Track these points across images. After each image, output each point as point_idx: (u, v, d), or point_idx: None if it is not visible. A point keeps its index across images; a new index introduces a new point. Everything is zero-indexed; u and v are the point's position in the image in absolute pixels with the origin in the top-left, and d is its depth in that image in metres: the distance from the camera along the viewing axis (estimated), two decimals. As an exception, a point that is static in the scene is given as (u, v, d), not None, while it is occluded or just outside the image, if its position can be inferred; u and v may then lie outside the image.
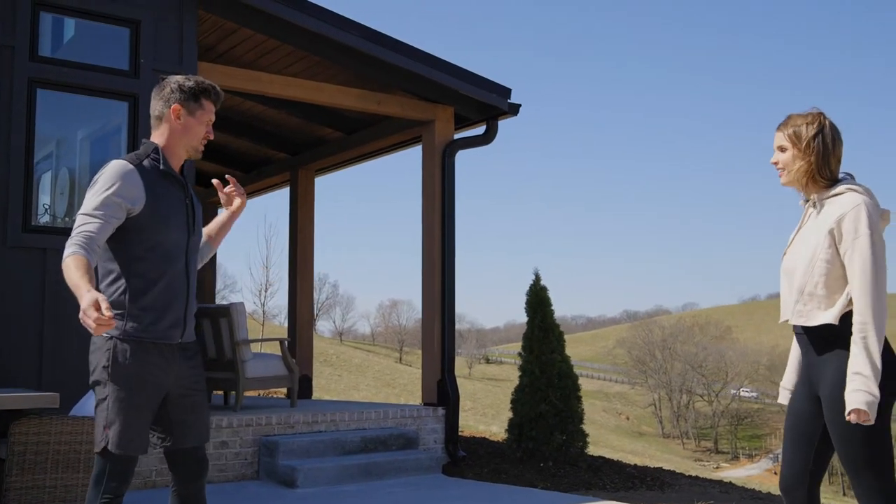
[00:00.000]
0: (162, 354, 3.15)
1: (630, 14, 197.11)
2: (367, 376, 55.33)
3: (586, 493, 6.65)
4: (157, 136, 3.26)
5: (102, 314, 2.64)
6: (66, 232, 6.48)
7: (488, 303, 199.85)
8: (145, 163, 3.19)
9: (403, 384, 53.90)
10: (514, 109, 8.36)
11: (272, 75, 7.78)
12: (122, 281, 3.11)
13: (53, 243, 6.28)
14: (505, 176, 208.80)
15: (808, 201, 3.24)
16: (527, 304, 8.09)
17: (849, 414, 2.92)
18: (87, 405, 4.70)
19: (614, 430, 62.34)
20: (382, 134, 9.16)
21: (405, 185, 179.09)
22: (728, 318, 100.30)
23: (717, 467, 53.84)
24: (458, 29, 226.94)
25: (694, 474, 9.19)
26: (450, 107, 8.35)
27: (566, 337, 8.30)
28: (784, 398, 3.39)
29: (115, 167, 3.12)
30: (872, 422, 2.91)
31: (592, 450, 8.43)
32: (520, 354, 8.12)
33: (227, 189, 3.52)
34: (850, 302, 3.04)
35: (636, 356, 75.75)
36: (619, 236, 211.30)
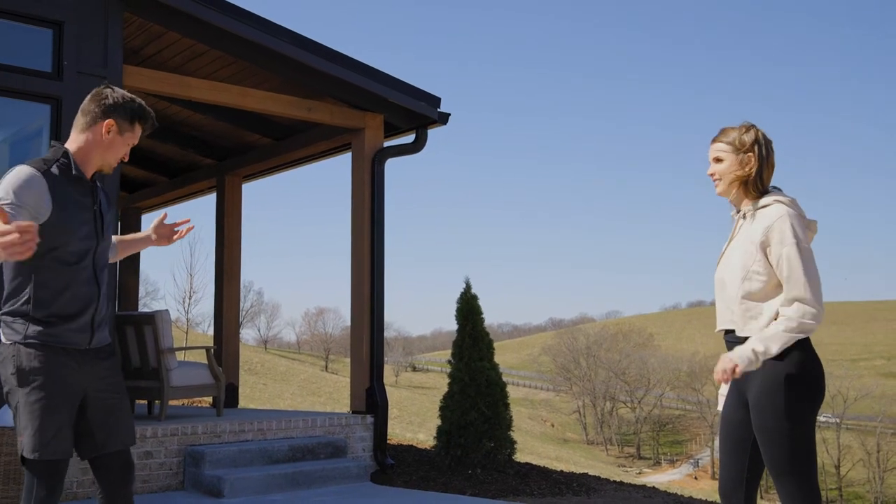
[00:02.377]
0: (70, 356, 3.07)
1: (553, 19, 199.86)
2: (292, 384, 54.72)
3: (514, 500, 6.72)
4: (75, 140, 3.19)
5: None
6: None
7: (415, 310, 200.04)
8: (53, 168, 3.10)
9: (329, 392, 53.46)
10: (444, 118, 8.40)
11: (200, 80, 7.68)
12: (27, 290, 3.03)
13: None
14: (432, 185, 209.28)
15: (739, 212, 3.33)
16: (457, 312, 8.14)
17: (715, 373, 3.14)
18: (6, 414, 4.58)
19: (539, 436, 62.89)
20: (312, 141, 9.11)
21: (333, 193, 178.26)
22: (650, 326, 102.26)
23: (639, 473, 54.80)
24: (389, 37, 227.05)
25: (618, 480, 9.35)
26: (379, 115, 8.36)
27: (493, 344, 8.37)
28: (720, 404, 3.46)
29: (20, 173, 3.01)
30: (738, 375, 3.08)
31: (519, 457, 8.52)
32: (449, 362, 8.17)
33: (175, 228, 3.48)
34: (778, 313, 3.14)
35: (561, 363, 76.64)
36: (544, 245, 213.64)
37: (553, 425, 71.92)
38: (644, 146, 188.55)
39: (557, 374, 76.93)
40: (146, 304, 51.04)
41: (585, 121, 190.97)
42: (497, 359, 8.43)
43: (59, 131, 6.50)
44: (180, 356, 8.00)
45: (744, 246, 3.22)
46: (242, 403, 22.71)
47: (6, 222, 2.62)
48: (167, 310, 7.80)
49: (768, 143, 3.29)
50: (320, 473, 6.93)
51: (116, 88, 3.23)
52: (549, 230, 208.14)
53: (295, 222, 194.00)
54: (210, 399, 12.01)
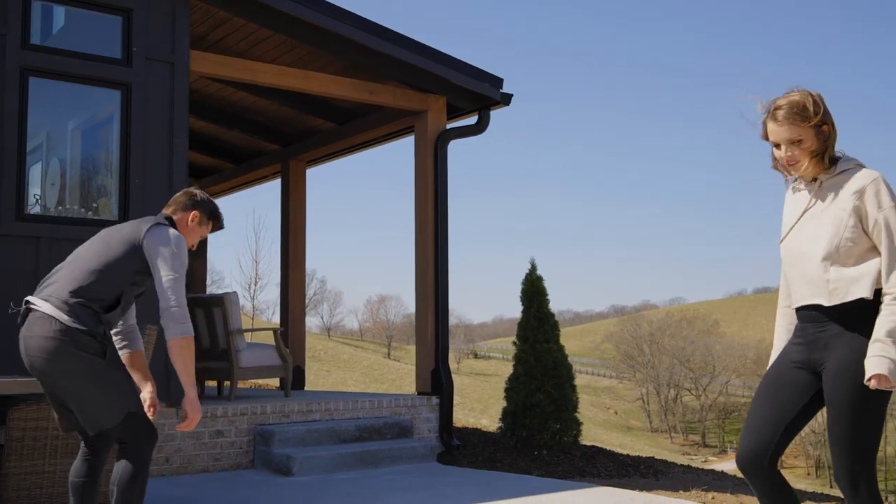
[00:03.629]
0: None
1: (626, 10, 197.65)
2: (355, 371, 55.33)
3: (581, 480, 6.68)
4: (176, 218, 3.92)
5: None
6: (60, 221, 6.47)
7: (476, 298, 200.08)
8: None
9: (392, 379, 53.94)
10: (507, 99, 8.37)
11: (265, 65, 7.76)
12: (104, 299, 3.61)
13: (48, 232, 6.25)
14: (494, 170, 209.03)
15: (815, 181, 3.12)
16: (522, 293, 8.10)
17: (869, 379, 2.86)
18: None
19: (603, 424, 62.54)
20: (374, 124, 9.15)
21: (394, 178, 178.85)
22: (715, 313, 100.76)
23: (705, 461, 54.13)
24: (451, 19, 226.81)
25: (686, 464, 9.24)
26: (442, 97, 8.36)
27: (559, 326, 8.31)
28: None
29: (181, 238, 3.75)
30: (894, 388, 2.87)
31: (583, 443, 8.46)
32: (514, 343, 8.13)
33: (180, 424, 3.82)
34: (879, 277, 2.98)
35: (624, 351, 76.01)
36: (607, 231, 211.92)
37: (616, 413, 71.43)
38: (711, 131, 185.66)
39: (620, 361, 76.32)
40: (212, 292, 51.97)
41: (651, 105, 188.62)
42: (559, 346, 8.36)
43: (130, 116, 6.63)
44: (248, 338, 8.13)
45: (831, 213, 3.03)
46: (308, 389, 23.06)
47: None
48: (235, 292, 7.92)
49: (826, 106, 3.10)
50: (387, 453, 6.99)
51: (202, 192, 4.01)
52: (610, 216, 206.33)
53: (355, 210, 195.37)
54: (277, 383, 12.19)
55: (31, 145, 6.46)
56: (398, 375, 54.99)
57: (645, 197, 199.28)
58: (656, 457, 10.49)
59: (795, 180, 3.20)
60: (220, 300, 7.79)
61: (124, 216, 6.54)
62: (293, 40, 7.69)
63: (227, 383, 8.14)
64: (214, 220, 3.99)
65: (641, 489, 6.28)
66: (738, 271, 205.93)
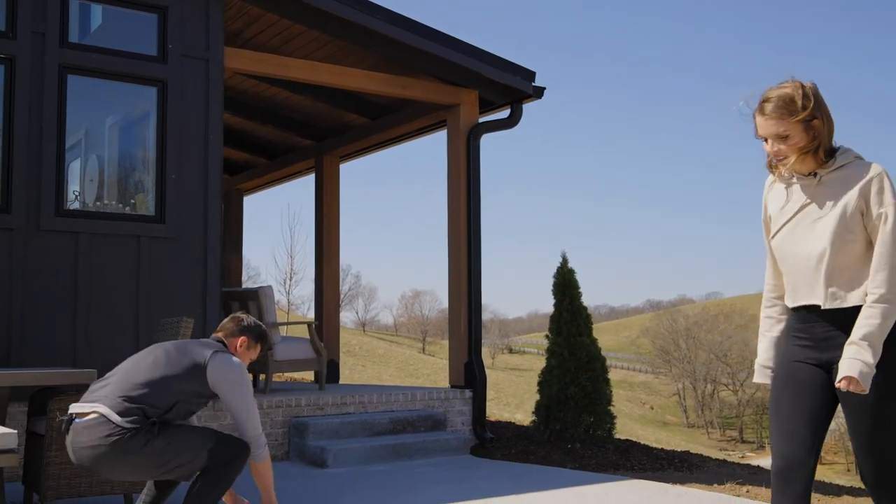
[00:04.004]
0: None
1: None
2: (390, 366, 55.46)
3: (615, 473, 6.67)
4: (233, 344, 4.12)
5: None
6: (98, 216, 6.58)
7: (511, 293, 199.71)
8: None
9: (427, 374, 53.98)
10: (539, 92, 8.36)
11: (298, 60, 7.82)
12: (154, 421, 3.75)
13: (86, 227, 6.37)
14: (526, 165, 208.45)
15: (812, 176, 2.94)
16: (554, 286, 8.09)
17: (839, 381, 2.77)
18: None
19: (638, 419, 62.20)
20: (407, 119, 9.19)
21: (428, 173, 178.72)
22: (752, 307, 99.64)
23: (742, 456, 53.58)
24: (481, 12, 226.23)
25: (721, 458, 9.18)
26: (474, 90, 8.36)
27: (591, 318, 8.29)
28: (763, 376, 3.16)
29: (242, 365, 4.00)
30: (866, 391, 2.75)
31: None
32: (547, 337, 8.13)
33: None
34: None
35: (660, 345, 75.45)
36: (641, 225, 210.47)
37: (652, 408, 70.98)
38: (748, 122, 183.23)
39: (656, 356, 75.77)
40: (248, 286, 52.34)
41: (684, 98, 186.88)
42: (594, 341, 8.34)
43: (165, 113, 6.72)
44: (283, 332, 8.20)
45: (832, 210, 2.87)
46: (343, 383, 23.21)
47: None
48: (270, 286, 8.00)
49: (821, 97, 2.91)
50: (420, 445, 7.02)
51: (249, 317, 4.21)
52: (646, 210, 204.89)
53: (389, 205, 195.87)
54: (311, 376, 12.29)
55: (70, 142, 6.57)
56: (433, 370, 55.02)
57: (684, 189, 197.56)
58: (691, 451, 10.43)
59: (792, 177, 3.01)
60: (255, 294, 7.87)
61: (161, 211, 6.64)
62: (326, 36, 7.74)
63: (262, 376, 8.22)
64: (262, 341, 4.22)
65: (675, 482, 6.25)
66: None
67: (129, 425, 3.62)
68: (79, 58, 6.44)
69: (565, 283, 8.04)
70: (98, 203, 6.83)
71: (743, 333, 76.74)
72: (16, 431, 3.71)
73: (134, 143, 7.27)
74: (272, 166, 11.62)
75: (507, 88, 8.31)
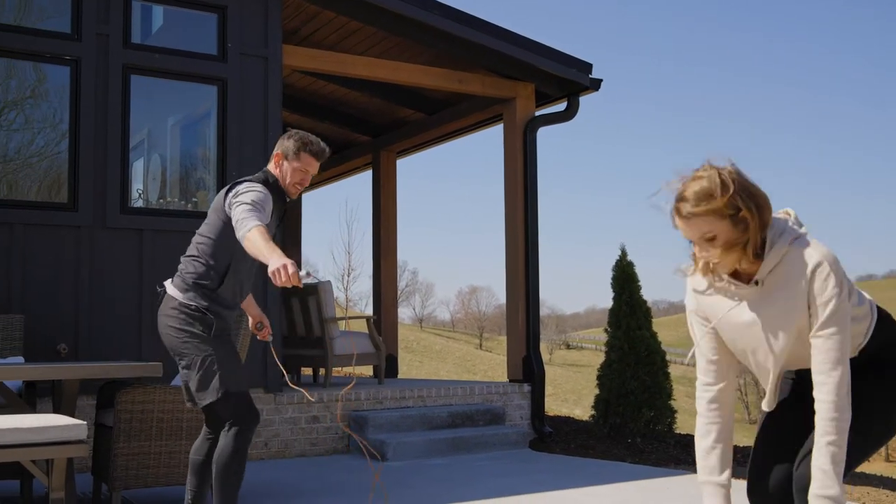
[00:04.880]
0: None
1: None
2: (447, 362, 55.63)
3: (676, 468, 6.60)
4: (270, 168, 3.95)
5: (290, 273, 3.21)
6: (161, 213, 6.72)
7: (568, 288, 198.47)
8: (269, 187, 3.84)
9: (484, 370, 53.99)
10: (596, 84, 8.29)
11: (354, 56, 7.87)
12: (213, 271, 3.79)
13: (150, 224, 6.50)
14: (582, 158, 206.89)
15: (753, 283, 2.53)
16: (613, 280, 8.03)
17: None
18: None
19: (699, 415, 61.38)
20: (463, 113, 9.19)
21: (481, 171, 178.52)
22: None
23: (806, 453, 52.62)
24: (537, 4, 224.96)
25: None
26: (531, 83, 8.33)
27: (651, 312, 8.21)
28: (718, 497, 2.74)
29: (262, 187, 3.77)
30: None
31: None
32: (606, 331, 8.07)
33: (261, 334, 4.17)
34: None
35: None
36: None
37: (713, 404, 70.01)
38: (822, 103, 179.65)
39: (717, 351, 74.57)
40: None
41: (743, 83, 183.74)
42: (653, 336, 8.25)
43: (226, 112, 6.82)
44: (342, 326, 8.28)
45: (780, 322, 2.52)
46: (401, 378, 23.39)
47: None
48: (329, 281, 8.07)
49: (746, 179, 2.48)
50: (479, 439, 7.03)
51: (295, 131, 3.98)
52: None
53: (445, 201, 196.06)
54: (370, 371, 12.38)
55: (133, 142, 6.71)
56: (490, 366, 55.03)
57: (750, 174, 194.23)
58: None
59: (729, 282, 2.58)
60: (314, 289, 7.95)
61: (222, 208, 6.74)
62: (382, 31, 7.78)
63: (321, 371, 8.31)
64: (305, 150, 3.88)
65: (738, 477, 6.16)
66: (866, 254, 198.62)
67: (187, 301, 3.78)
68: (141, 58, 6.57)
69: (624, 277, 7.97)
70: (161, 201, 6.96)
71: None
72: (85, 423, 3.80)
73: (195, 142, 7.39)
74: (330, 162, 11.71)
75: (563, 81, 8.27)
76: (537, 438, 7.69)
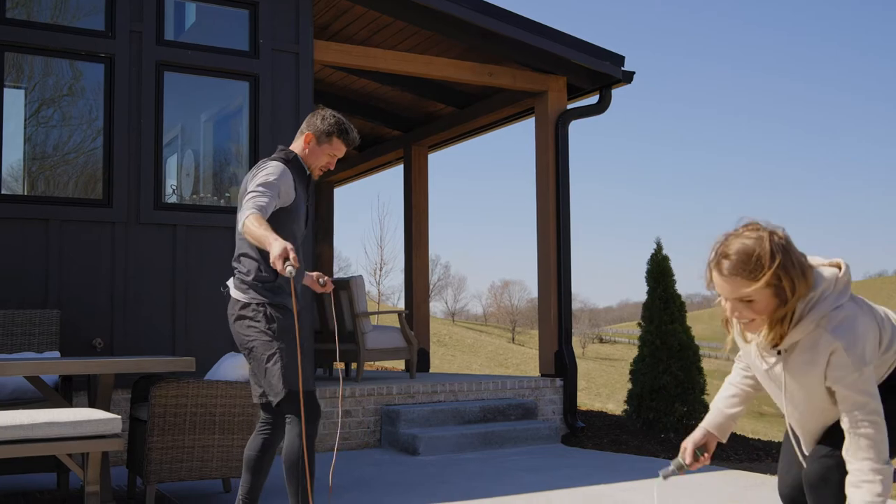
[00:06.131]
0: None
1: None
2: (480, 356, 55.57)
3: (710, 463, 6.53)
4: (296, 146, 3.90)
5: (291, 260, 3.20)
6: (194, 209, 6.77)
7: (601, 282, 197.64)
8: (290, 165, 3.81)
9: (516, 364, 53.89)
10: (628, 77, 8.22)
11: (385, 51, 7.87)
12: (263, 262, 3.67)
13: (183, 220, 6.55)
14: (615, 152, 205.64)
15: (775, 349, 2.51)
16: (647, 273, 7.97)
17: None
18: (219, 371, 4.89)
19: (733, 410, 60.85)
20: (494, 107, 9.16)
21: (513, 163, 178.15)
22: (858, 292, 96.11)
23: (843, 448, 51.94)
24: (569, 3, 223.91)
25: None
26: (562, 77, 8.28)
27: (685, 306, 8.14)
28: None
29: (275, 164, 3.72)
30: None
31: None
32: (640, 325, 8.02)
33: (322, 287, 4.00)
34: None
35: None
36: (736, 209, 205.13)
37: (748, 398, 69.41)
38: (848, 102, 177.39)
39: (752, 345, 73.86)
40: (339, 276, 53.09)
41: (778, 78, 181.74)
42: (687, 329, 8.18)
43: (258, 107, 6.85)
44: (374, 321, 8.30)
45: (800, 376, 2.49)
46: (433, 372, 23.44)
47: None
48: (361, 276, 8.09)
49: (794, 249, 2.40)
50: (511, 434, 7.01)
51: (326, 109, 3.89)
52: (739, 194, 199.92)
53: (477, 195, 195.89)
54: (402, 365, 12.40)
55: (167, 138, 6.77)
56: (522, 360, 54.89)
57: (779, 170, 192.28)
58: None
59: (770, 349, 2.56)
60: (346, 283, 7.98)
61: (254, 203, 6.76)
62: (413, 26, 7.77)
63: (353, 365, 8.33)
64: (337, 135, 3.85)
65: (773, 474, 6.10)
66: (880, 250, 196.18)
67: (247, 300, 3.72)
68: (175, 55, 6.62)
69: (659, 271, 7.91)
70: (194, 196, 7.01)
71: (843, 322, 74.11)
72: (119, 417, 3.84)
73: (227, 137, 7.44)
74: (362, 157, 11.74)
75: (595, 74, 8.21)
76: (569, 433, 7.66)
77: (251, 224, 3.38)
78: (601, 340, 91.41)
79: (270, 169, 3.68)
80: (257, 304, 3.69)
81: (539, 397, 7.82)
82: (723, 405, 2.83)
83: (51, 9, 6.43)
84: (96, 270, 6.23)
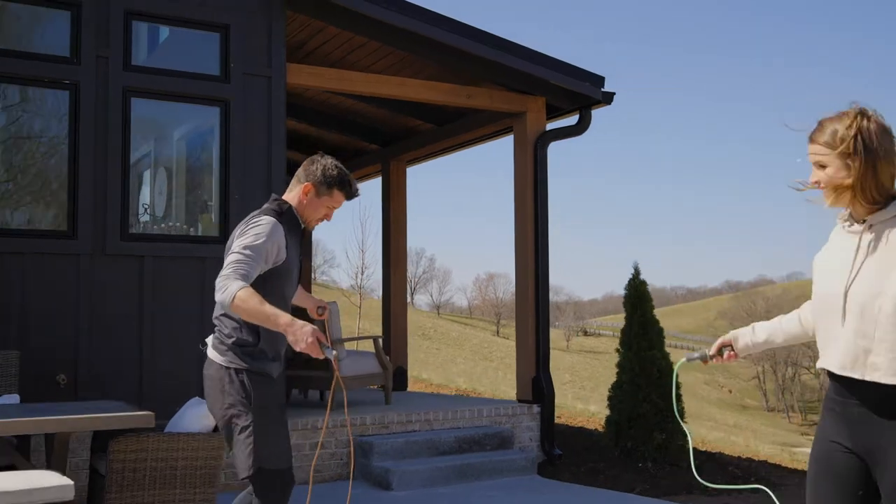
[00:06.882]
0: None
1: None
2: (464, 349, 55.56)
3: (687, 498, 6.46)
4: (291, 196, 3.65)
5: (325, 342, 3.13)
6: (162, 238, 6.61)
7: (585, 274, 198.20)
8: (283, 218, 3.55)
9: (501, 357, 53.91)
10: (608, 98, 8.11)
11: (359, 73, 7.73)
12: (246, 326, 3.45)
13: (151, 250, 6.39)
14: (601, 150, 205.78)
15: (864, 223, 2.56)
16: (625, 299, 7.88)
17: None
18: (182, 420, 4.76)
19: (717, 403, 61.21)
20: (473, 125, 9.03)
21: (501, 167, 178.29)
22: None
23: (825, 443, 52.23)
24: (546, 15, 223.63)
25: (804, 469, 8.85)
26: (541, 97, 8.16)
27: (666, 308, 8.21)
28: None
29: (266, 222, 3.45)
30: None
31: (695, 424, 8.20)
32: (618, 351, 7.93)
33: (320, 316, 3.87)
34: None
35: (738, 328, 73.91)
36: (720, 204, 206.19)
37: (731, 391, 69.76)
38: (833, 102, 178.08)
39: (735, 338, 74.22)
40: (324, 272, 52.97)
41: (767, 81, 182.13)
42: (671, 323, 8.19)
43: (229, 133, 6.69)
44: (350, 346, 8.17)
45: (875, 268, 2.50)
46: (415, 370, 23.25)
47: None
48: (335, 302, 7.94)
49: (881, 133, 2.49)
50: (487, 465, 6.91)
51: (326, 158, 3.64)
52: (724, 189, 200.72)
53: (462, 190, 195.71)
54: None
55: (139, 154, 6.61)
56: (507, 353, 54.89)
57: (762, 170, 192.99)
58: (772, 445, 10.07)
59: (849, 221, 2.63)
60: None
61: (224, 232, 6.62)
62: (388, 46, 7.62)
63: (327, 392, 8.20)
64: (338, 187, 3.61)
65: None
66: None
67: (227, 364, 3.49)
68: (142, 80, 6.45)
69: (637, 296, 7.82)
70: (163, 225, 6.85)
71: (826, 316, 74.54)
72: (72, 483, 3.71)
73: (197, 164, 7.28)
74: (340, 169, 11.58)
75: (574, 95, 8.09)
76: (546, 461, 7.57)
77: (246, 302, 3.17)
78: (585, 333, 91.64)
79: (259, 229, 3.42)
80: (235, 371, 3.45)
81: (516, 424, 7.72)
82: (781, 317, 3.03)
83: (14, 35, 6.24)
84: (60, 304, 6.07)
